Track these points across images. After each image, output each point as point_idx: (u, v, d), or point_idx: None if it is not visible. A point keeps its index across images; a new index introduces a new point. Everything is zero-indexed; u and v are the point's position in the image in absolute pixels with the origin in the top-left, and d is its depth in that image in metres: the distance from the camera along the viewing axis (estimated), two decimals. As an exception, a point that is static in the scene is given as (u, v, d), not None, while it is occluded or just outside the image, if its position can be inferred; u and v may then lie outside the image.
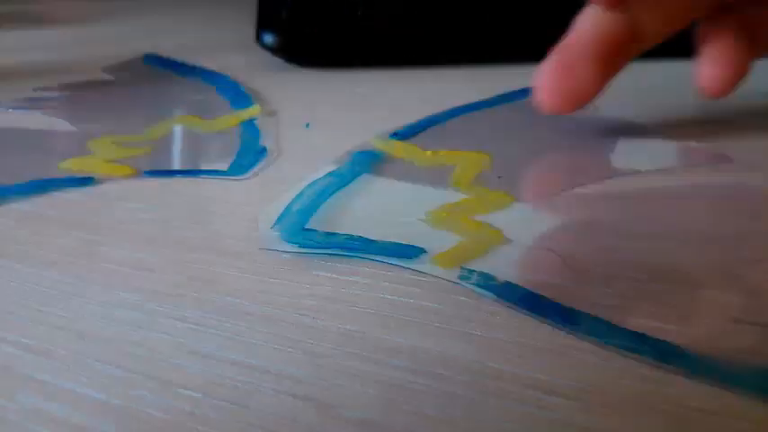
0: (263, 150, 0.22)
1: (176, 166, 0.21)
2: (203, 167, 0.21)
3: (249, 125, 0.24)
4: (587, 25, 0.21)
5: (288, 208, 0.17)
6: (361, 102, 0.27)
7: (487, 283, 0.14)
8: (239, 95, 0.27)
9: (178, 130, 0.25)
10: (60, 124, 0.24)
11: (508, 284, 0.14)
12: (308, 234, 0.16)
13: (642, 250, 0.15)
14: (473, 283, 0.14)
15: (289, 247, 0.15)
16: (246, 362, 0.12)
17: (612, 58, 0.21)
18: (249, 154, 0.21)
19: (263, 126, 0.24)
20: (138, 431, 0.10)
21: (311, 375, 0.11)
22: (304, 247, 0.15)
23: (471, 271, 0.14)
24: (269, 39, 0.32)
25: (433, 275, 0.14)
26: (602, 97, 0.21)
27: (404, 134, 0.23)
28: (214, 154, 0.22)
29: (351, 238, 0.16)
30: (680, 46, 0.32)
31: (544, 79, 0.21)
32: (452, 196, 0.18)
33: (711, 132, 0.22)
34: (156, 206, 0.18)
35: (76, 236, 0.16)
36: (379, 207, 0.18)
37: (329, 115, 0.25)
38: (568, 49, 0.21)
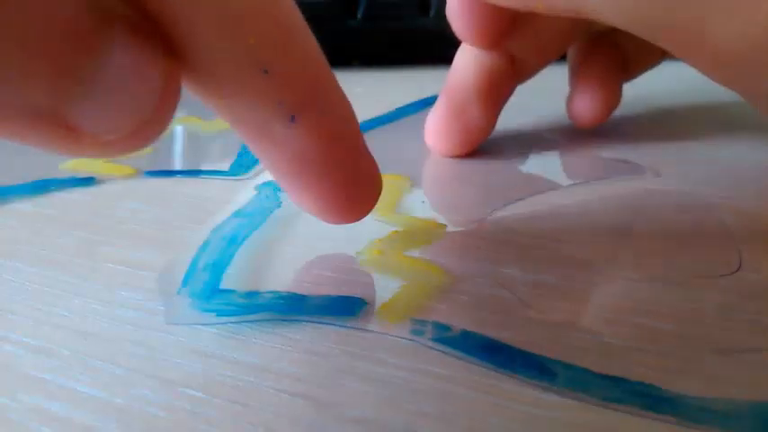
0: (264, 150, 0.22)
1: (177, 166, 0.21)
2: (204, 167, 0.21)
3: (249, 125, 0.24)
4: (469, 65, 0.21)
5: (193, 264, 0.14)
6: (361, 101, 0.27)
7: (443, 335, 0.12)
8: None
9: (179, 130, 0.25)
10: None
11: (466, 334, 0.12)
12: (224, 296, 0.13)
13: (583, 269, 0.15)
14: (428, 338, 0.12)
15: (202, 318, 0.13)
16: (247, 360, 0.12)
17: (497, 94, 0.21)
18: (250, 154, 0.21)
19: (264, 126, 0.24)
20: (140, 430, 0.10)
21: (311, 374, 0.11)
22: (223, 316, 0.13)
23: (424, 322, 0.13)
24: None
25: (381, 332, 0.12)
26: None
27: None
28: (215, 154, 0.22)
29: (278, 296, 0.13)
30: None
31: (434, 124, 0.21)
32: (379, 230, 0.16)
33: (615, 141, 0.22)
34: (156, 206, 0.18)
35: (78, 235, 0.16)
36: (301, 250, 0.15)
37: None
38: (454, 92, 0.21)
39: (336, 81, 0.12)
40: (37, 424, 0.11)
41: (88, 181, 0.20)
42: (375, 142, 0.23)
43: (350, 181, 0.13)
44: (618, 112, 0.22)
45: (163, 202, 0.18)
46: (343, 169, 0.13)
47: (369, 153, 0.14)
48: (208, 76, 0.11)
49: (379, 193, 0.14)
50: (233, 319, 0.13)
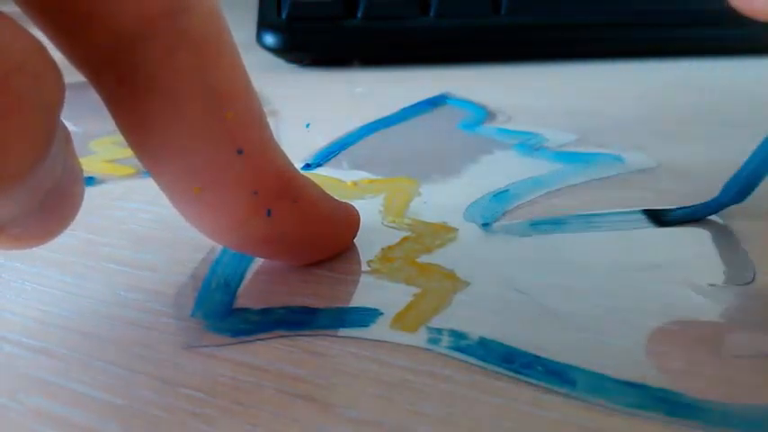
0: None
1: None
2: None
3: (249, 125, 0.24)
4: None
5: (206, 285, 0.14)
6: (361, 101, 0.27)
7: (460, 343, 0.12)
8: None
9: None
10: (61, 124, 0.24)
11: (483, 342, 0.12)
12: (240, 315, 0.13)
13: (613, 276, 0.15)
14: (445, 347, 0.12)
15: (218, 339, 0.12)
16: (247, 361, 0.12)
17: None
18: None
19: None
20: (140, 430, 0.10)
21: (312, 374, 0.11)
22: (238, 335, 0.12)
23: (439, 331, 0.12)
24: (269, 39, 0.32)
25: (397, 342, 0.12)
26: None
27: (317, 163, 0.21)
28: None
29: (291, 310, 0.13)
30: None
31: None
32: (390, 236, 0.16)
33: (645, 140, 0.22)
34: (156, 206, 0.18)
35: (78, 236, 0.16)
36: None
37: (329, 115, 0.25)
38: None
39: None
40: (37, 424, 0.11)
41: (88, 181, 0.20)
42: (382, 144, 0.23)
43: (322, 246, 0.14)
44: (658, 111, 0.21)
45: (163, 202, 0.18)
46: (317, 237, 0.14)
47: (340, 205, 0.14)
48: (187, 155, 0.11)
49: (356, 230, 0.15)
50: (249, 338, 0.12)
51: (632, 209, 0.17)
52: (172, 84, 0.10)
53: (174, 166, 0.11)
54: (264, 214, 0.12)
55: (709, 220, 0.16)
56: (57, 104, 0.09)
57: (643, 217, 0.16)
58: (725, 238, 0.15)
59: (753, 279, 0.14)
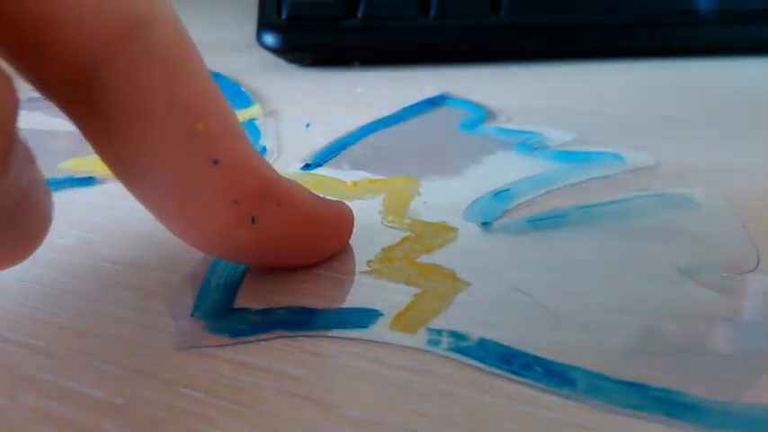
0: (264, 150, 0.22)
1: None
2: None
3: (249, 125, 0.24)
4: None
5: (205, 285, 0.14)
6: (361, 101, 0.27)
7: (460, 344, 0.12)
8: (239, 95, 0.27)
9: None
10: (60, 124, 0.24)
11: (483, 342, 0.12)
12: (239, 315, 0.13)
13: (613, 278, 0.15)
14: (444, 348, 0.12)
15: (216, 339, 0.12)
16: (247, 361, 0.12)
17: None
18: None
19: (264, 126, 0.24)
20: (140, 430, 0.10)
21: (311, 374, 0.11)
22: (236, 336, 0.12)
23: (439, 332, 0.12)
24: (269, 39, 0.32)
25: (396, 344, 0.12)
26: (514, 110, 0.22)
27: (317, 163, 0.21)
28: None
29: (291, 310, 0.13)
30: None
31: None
32: (390, 236, 0.16)
33: (646, 138, 0.21)
34: (156, 206, 0.18)
35: (77, 235, 0.16)
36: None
37: (329, 115, 0.25)
38: None
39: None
40: (36, 424, 0.11)
41: (88, 181, 0.20)
42: (382, 144, 0.23)
43: (315, 248, 0.14)
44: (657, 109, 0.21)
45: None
46: (307, 239, 0.14)
47: (331, 205, 0.14)
48: (162, 171, 0.11)
49: (350, 230, 0.15)
50: (248, 338, 0.12)
51: (630, 195, 0.17)
52: (139, 100, 0.10)
53: (152, 183, 0.11)
54: (249, 222, 0.12)
55: (712, 213, 0.16)
56: (9, 111, 0.08)
57: None
58: (727, 228, 0.15)
59: (758, 264, 0.14)
